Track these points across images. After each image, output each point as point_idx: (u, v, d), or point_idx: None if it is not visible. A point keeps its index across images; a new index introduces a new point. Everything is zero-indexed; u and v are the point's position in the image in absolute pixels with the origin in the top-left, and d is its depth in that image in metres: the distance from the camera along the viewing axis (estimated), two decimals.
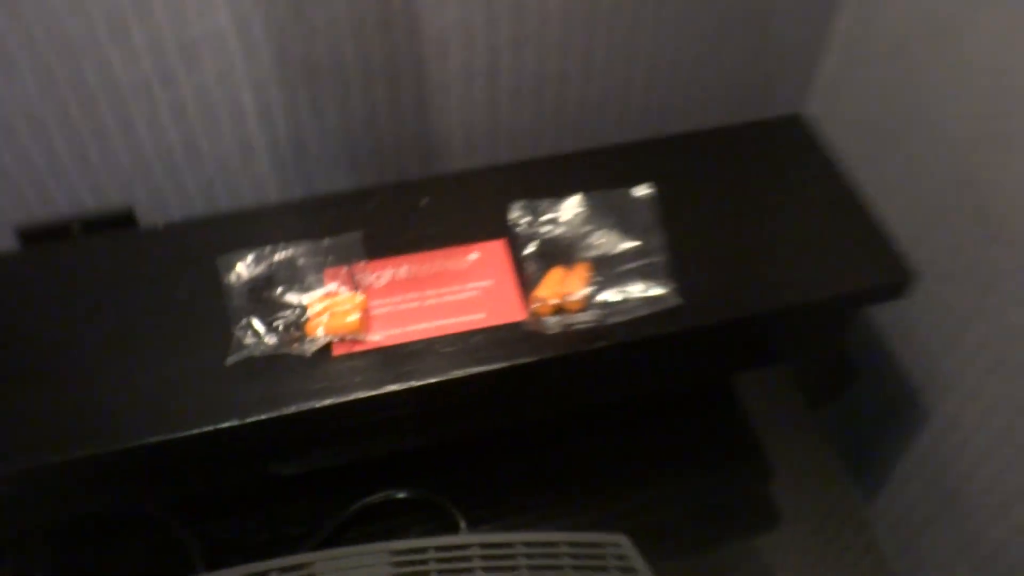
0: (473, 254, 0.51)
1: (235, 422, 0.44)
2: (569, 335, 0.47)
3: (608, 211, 0.52)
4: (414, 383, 0.45)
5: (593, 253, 0.50)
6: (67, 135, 0.56)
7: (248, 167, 0.61)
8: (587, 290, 0.48)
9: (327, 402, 0.45)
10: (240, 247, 0.50)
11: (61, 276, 0.50)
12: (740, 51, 0.64)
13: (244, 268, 0.48)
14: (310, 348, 0.45)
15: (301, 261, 0.49)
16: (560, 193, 0.53)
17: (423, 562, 0.46)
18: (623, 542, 0.47)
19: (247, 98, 0.58)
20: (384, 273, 0.50)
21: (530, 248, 0.50)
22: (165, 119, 0.57)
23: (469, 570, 0.46)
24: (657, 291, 0.48)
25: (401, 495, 0.57)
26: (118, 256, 0.51)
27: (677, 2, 0.61)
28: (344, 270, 0.49)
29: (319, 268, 0.49)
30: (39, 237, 0.58)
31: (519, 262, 0.50)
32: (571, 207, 0.52)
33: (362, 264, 0.50)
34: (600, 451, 0.61)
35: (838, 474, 0.68)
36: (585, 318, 0.47)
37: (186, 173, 0.60)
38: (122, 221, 0.60)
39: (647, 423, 0.64)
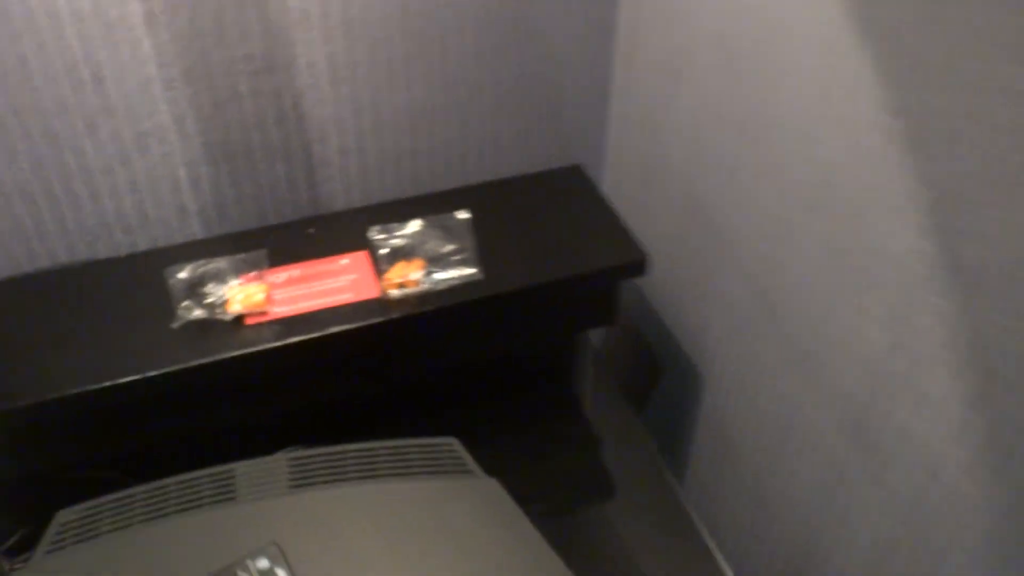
0: (344, 260, 0.74)
1: (180, 365, 0.64)
2: (409, 300, 0.69)
3: (439, 228, 0.75)
4: (303, 336, 0.67)
5: (427, 253, 0.73)
6: (51, 205, 0.78)
7: (184, 226, 0.83)
8: (421, 273, 0.71)
9: (245, 351, 0.65)
10: (179, 263, 0.72)
11: (42, 289, 0.71)
12: (542, 127, 0.91)
13: (183, 274, 0.70)
14: (230, 316, 0.67)
15: (223, 268, 0.71)
16: (407, 219, 0.77)
17: (311, 465, 0.66)
18: (455, 443, 0.68)
19: (183, 174, 0.81)
20: (283, 274, 0.72)
21: (383, 252, 0.73)
22: (123, 191, 0.80)
23: (345, 468, 0.66)
24: (468, 272, 0.71)
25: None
26: (88, 275, 0.72)
27: (493, 97, 0.87)
28: (255, 273, 0.71)
29: (237, 272, 0.71)
30: None
31: (376, 262, 0.73)
32: (413, 226, 0.75)
33: (267, 269, 0.72)
34: (451, 423, 0.82)
35: (650, 448, 0.89)
36: (419, 290, 0.70)
37: (137, 233, 0.82)
38: None
39: (495, 409, 0.85)
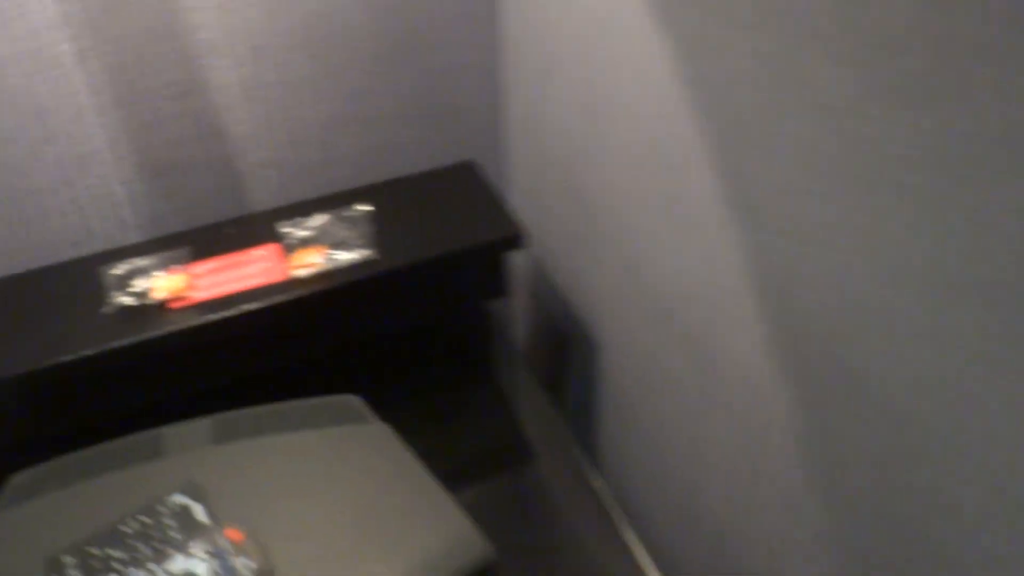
0: (258, 251, 0.84)
1: (114, 344, 0.74)
2: (312, 280, 0.80)
3: (341, 220, 0.86)
4: (219, 314, 0.77)
5: (330, 240, 0.84)
6: (3, 225, 0.89)
7: (125, 237, 0.94)
8: (323, 257, 0.82)
9: (168, 329, 0.76)
10: (113, 263, 0.82)
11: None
12: (442, 130, 1.02)
13: (116, 271, 0.81)
14: (154, 301, 0.77)
15: (151, 263, 0.81)
16: (314, 214, 0.87)
17: (230, 424, 0.76)
18: (354, 399, 0.78)
19: (120, 191, 0.92)
20: (205, 265, 0.83)
21: (292, 242, 0.84)
22: (68, 209, 0.91)
23: (261, 424, 0.76)
24: (365, 253, 0.82)
25: None
26: (35, 279, 0.83)
27: (394, 106, 0.98)
28: (179, 266, 0.82)
29: (163, 267, 0.82)
30: None
31: (286, 251, 0.84)
32: (319, 219, 0.86)
33: (190, 263, 0.82)
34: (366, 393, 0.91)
35: (554, 413, 0.99)
36: (321, 270, 0.80)
37: (83, 246, 0.93)
38: None
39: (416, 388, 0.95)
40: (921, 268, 0.47)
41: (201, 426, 0.75)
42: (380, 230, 0.85)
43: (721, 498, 0.78)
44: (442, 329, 0.98)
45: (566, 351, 1.04)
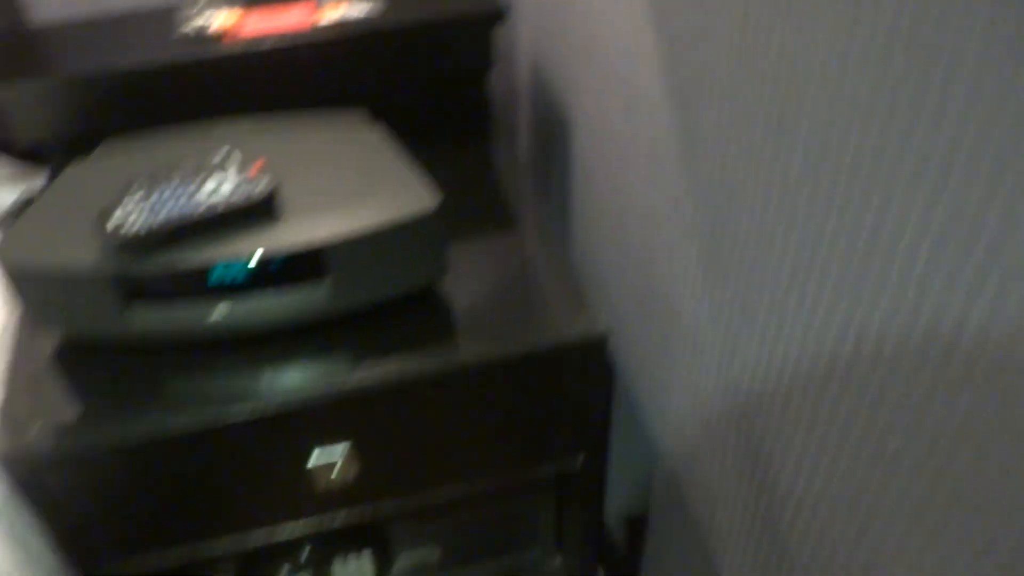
0: (297, 6, 1.08)
1: (174, 60, 0.99)
2: (333, 27, 1.03)
3: None
4: (265, 47, 1.01)
5: (352, 2, 1.07)
6: None
7: None
8: (342, 10, 1.05)
9: (222, 53, 1.00)
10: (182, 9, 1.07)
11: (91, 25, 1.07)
12: None
13: (183, 13, 1.05)
14: (212, 34, 1.02)
15: (212, 10, 1.06)
16: None
17: (269, 118, 1.00)
18: (363, 110, 1.01)
19: None
20: (254, 13, 1.07)
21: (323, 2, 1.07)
22: None
23: (289, 116, 0.99)
24: (378, 11, 1.05)
25: None
26: (127, 16, 1.08)
27: None
28: (233, 11, 1.06)
29: (221, 10, 1.06)
30: None
31: (317, 6, 1.07)
32: None
33: (244, 11, 1.07)
34: None
35: (535, 191, 1.20)
36: (338, 21, 1.04)
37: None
38: None
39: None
40: None
41: (244, 119, 1.00)
42: (392, 2, 1.07)
43: (638, 225, 1.00)
44: (446, 102, 1.19)
45: (553, 144, 1.26)
